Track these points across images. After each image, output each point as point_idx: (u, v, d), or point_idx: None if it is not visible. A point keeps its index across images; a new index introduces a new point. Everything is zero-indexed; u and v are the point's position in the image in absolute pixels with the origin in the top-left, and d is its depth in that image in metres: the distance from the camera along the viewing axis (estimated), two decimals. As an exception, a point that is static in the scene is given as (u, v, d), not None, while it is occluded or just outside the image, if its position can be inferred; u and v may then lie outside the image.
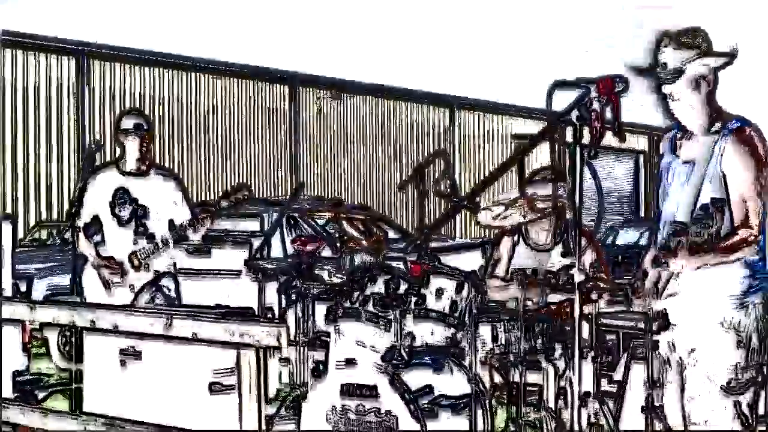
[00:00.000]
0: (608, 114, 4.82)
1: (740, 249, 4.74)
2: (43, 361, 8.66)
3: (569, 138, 5.00)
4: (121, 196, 6.87)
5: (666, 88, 4.93)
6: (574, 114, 4.76)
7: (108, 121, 17.53)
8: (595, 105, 4.77)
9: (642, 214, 28.28)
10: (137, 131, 6.95)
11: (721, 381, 4.79)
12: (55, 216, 16.84)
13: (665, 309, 4.96)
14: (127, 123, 7.02)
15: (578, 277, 4.97)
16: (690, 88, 4.86)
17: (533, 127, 24.60)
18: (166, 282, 6.66)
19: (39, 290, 10.12)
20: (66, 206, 17.18)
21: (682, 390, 4.93)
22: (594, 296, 5.36)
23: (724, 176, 4.76)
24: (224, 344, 4.82)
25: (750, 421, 4.79)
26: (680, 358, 4.93)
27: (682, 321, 4.91)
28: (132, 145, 6.98)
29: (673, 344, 4.98)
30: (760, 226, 4.72)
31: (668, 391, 5.01)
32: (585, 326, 5.44)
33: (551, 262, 6.29)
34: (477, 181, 22.47)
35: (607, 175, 26.54)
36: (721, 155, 4.76)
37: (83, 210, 6.84)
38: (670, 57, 4.89)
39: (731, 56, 4.82)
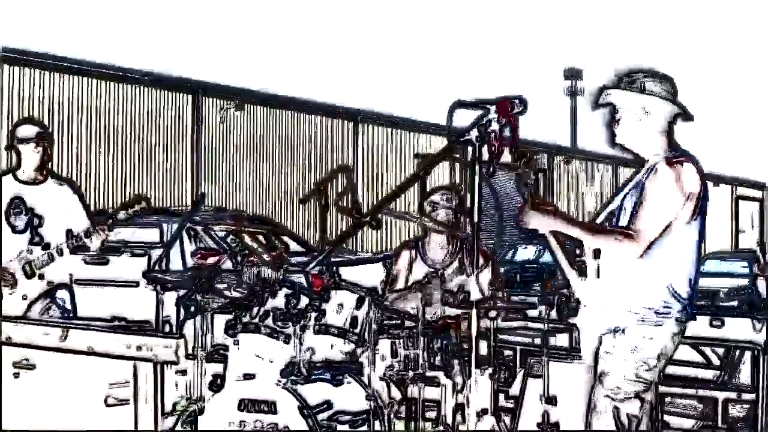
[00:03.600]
0: (506, 133, 4.92)
1: (610, 239, 4.87)
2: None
3: (469, 156, 5.08)
4: (16, 206, 6.74)
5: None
6: (474, 133, 4.84)
7: (5, 126, 17.17)
8: (494, 125, 4.86)
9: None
10: (36, 140, 6.83)
11: (609, 385, 4.90)
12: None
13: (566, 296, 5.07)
14: (27, 131, 6.89)
15: (475, 296, 5.05)
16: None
17: (437, 142, 24.83)
18: (61, 294, 6.55)
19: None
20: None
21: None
22: (492, 314, 5.44)
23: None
24: (121, 357, 4.77)
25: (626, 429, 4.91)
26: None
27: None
28: (30, 154, 6.85)
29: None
30: (643, 242, 4.83)
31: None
32: (483, 343, 5.52)
33: (448, 279, 6.35)
34: (378, 196, 22.53)
35: (505, 193, 26.92)
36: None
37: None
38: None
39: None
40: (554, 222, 5.03)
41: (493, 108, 4.74)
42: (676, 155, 4.91)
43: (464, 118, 5.05)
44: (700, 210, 4.87)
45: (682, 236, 4.86)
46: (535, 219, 5.01)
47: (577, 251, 5.02)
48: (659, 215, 4.83)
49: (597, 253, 4.93)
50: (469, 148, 4.83)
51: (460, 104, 4.82)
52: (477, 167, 4.66)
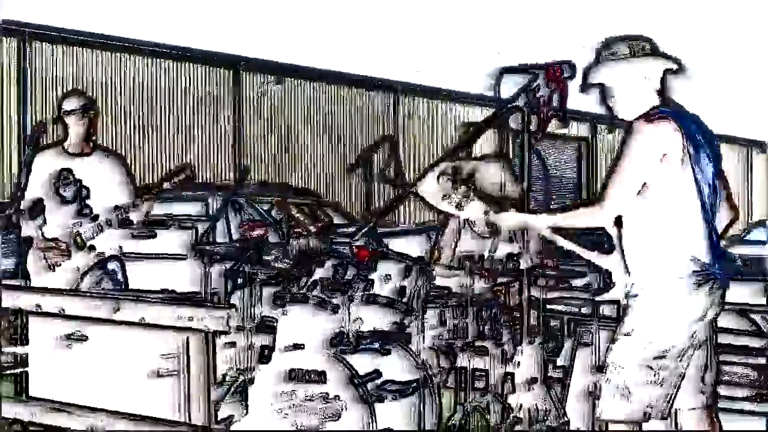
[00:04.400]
0: (554, 100, 4.87)
1: (577, 213, 4.83)
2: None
3: (514, 124, 5.03)
4: (65, 177, 6.79)
5: None
6: (522, 100, 4.79)
7: (50, 103, 17.29)
8: (543, 91, 4.81)
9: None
10: (82, 112, 6.88)
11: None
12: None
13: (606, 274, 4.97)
14: (71, 104, 6.94)
15: (525, 264, 5.02)
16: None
17: (479, 112, 24.71)
18: (112, 265, 6.60)
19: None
20: (6, 187, 16.93)
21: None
22: (541, 283, 5.42)
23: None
24: (171, 329, 4.79)
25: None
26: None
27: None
28: (76, 126, 6.91)
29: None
30: (608, 205, 4.70)
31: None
32: (532, 313, 5.50)
33: (496, 248, 6.32)
34: (422, 167, 22.50)
35: (551, 162, 26.73)
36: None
37: (27, 191, 6.76)
38: None
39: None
40: (523, 216, 4.97)
41: (541, 73, 4.69)
42: (653, 113, 4.71)
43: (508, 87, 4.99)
44: (697, 169, 4.67)
45: (672, 197, 4.68)
46: (503, 217, 4.97)
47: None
48: (627, 178, 4.64)
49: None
50: (517, 115, 4.80)
51: (507, 70, 4.78)
52: (526, 134, 4.62)
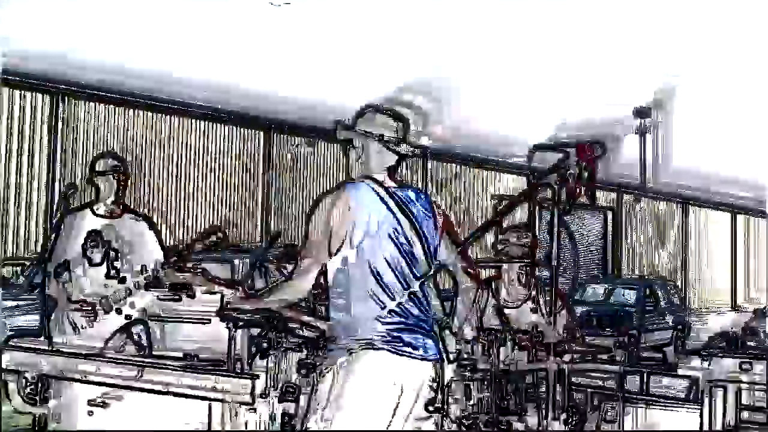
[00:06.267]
0: (584, 177, 4.89)
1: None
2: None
3: (543, 195, 5.05)
4: (93, 239, 6.82)
5: None
6: (553, 177, 4.82)
7: (80, 160, 17.46)
8: (573, 169, 4.84)
9: (610, 270, 28.44)
10: (113, 173, 6.93)
11: None
12: (20, 254, 16.68)
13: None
14: (103, 165, 7.00)
15: (551, 338, 4.98)
16: None
17: (508, 181, 24.72)
18: (137, 329, 6.59)
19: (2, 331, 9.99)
20: (32, 245, 17.04)
21: None
22: (567, 358, 5.38)
23: None
24: (195, 397, 4.77)
25: None
26: None
27: None
28: (107, 188, 6.96)
29: None
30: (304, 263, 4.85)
31: None
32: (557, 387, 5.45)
33: (522, 320, 6.29)
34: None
35: (576, 231, 26.70)
36: None
37: (56, 252, 6.79)
38: None
39: None
40: (258, 301, 5.08)
41: (572, 152, 4.72)
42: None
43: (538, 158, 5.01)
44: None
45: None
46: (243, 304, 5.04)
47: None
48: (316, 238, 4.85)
49: None
50: (548, 191, 4.82)
51: (539, 147, 4.81)
52: (557, 211, 4.63)
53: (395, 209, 4.87)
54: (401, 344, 4.74)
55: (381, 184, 4.92)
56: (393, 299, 4.77)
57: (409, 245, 4.85)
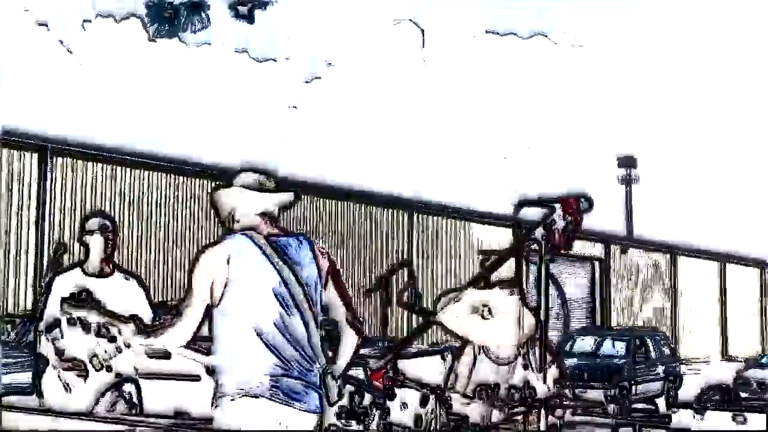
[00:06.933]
0: (569, 229, 4.95)
1: None
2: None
3: (531, 249, 5.10)
4: (84, 298, 6.83)
5: None
6: (539, 232, 4.88)
7: (69, 218, 17.47)
8: (559, 223, 4.90)
9: (598, 321, 28.42)
10: (102, 231, 6.97)
11: None
12: (10, 311, 16.63)
13: None
14: (92, 224, 7.03)
15: (542, 393, 5.01)
16: None
17: (495, 234, 24.79)
18: (128, 387, 6.59)
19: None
20: (21, 302, 17.00)
21: None
22: (559, 412, 5.40)
23: None
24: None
25: None
26: None
27: None
28: (96, 246, 6.99)
29: None
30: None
31: None
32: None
33: (513, 375, 6.31)
34: (436, 284, 22.47)
35: (563, 282, 26.70)
36: None
37: (46, 311, 6.80)
38: None
39: None
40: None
41: (558, 206, 4.78)
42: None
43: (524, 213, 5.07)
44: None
45: None
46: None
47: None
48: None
49: None
50: (534, 245, 4.87)
51: (525, 203, 4.87)
52: (544, 265, 4.68)
53: (274, 258, 5.00)
54: (280, 393, 4.87)
55: (261, 233, 5.07)
56: (272, 349, 4.90)
57: (289, 293, 4.97)
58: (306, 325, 4.98)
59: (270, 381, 4.88)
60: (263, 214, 5.14)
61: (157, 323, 6.09)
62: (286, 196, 5.24)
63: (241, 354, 4.93)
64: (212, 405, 5.02)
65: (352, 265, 22.35)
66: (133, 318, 6.25)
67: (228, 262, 4.96)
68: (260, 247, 5.02)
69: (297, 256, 5.08)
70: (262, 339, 4.91)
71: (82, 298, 6.79)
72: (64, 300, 6.54)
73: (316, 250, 5.15)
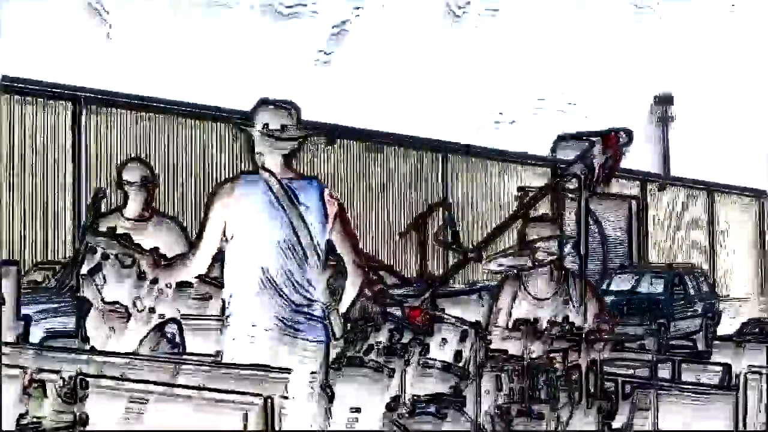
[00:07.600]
0: (608, 164, 4.92)
1: None
2: (39, 404, 8.57)
3: (569, 186, 5.07)
4: (124, 242, 6.87)
5: None
6: (579, 167, 4.85)
7: (104, 165, 17.57)
8: (599, 159, 4.87)
9: (635, 260, 28.33)
10: (142, 184, 7.01)
11: None
12: (50, 258, 16.80)
13: None
14: (131, 175, 7.05)
15: (584, 328, 5.01)
16: None
17: (532, 175, 24.70)
18: (171, 328, 6.65)
19: (36, 334, 10.04)
20: (60, 249, 17.16)
21: None
22: (598, 347, 5.41)
23: None
24: (230, 392, 4.82)
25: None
26: None
27: None
28: (135, 196, 7.04)
29: None
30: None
31: None
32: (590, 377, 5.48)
33: (552, 312, 6.30)
34: (471, 227, 22.46)
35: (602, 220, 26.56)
36: None
37: (88, 255, 6.85)
38: None
39: None
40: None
41: (598, 141, 4.74)
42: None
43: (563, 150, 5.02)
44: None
45: None
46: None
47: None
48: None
49: None
50: (574, 181, 4.84)
51: (564, 138, 4.84)
52: (584, 201, 4.66)
53: (284, 200, 5.15)
54: (286, 326, 5.11)
55: (275, 175, 5.20)
56: (278, 288, 5.11)
57: (296, 236, 5.12)
58: (311, 265, 5.16)
59: (276, 316, 5.12)
60: (278, 156, 5.28)
61: (174, 257, 6.21)
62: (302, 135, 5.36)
63: (249, 291, 5.16)
64: (223, 339, 5.31)
65: (392, 211, 22.35)
66: (152, 251, 6.33)
67: (235, 203, 5.15)
68: (271, 189, 5.18)
69: (307, 200, 5.22)
70: (268, 277, 5.13)
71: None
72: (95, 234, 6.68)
73: (326, 194, 5.28)
